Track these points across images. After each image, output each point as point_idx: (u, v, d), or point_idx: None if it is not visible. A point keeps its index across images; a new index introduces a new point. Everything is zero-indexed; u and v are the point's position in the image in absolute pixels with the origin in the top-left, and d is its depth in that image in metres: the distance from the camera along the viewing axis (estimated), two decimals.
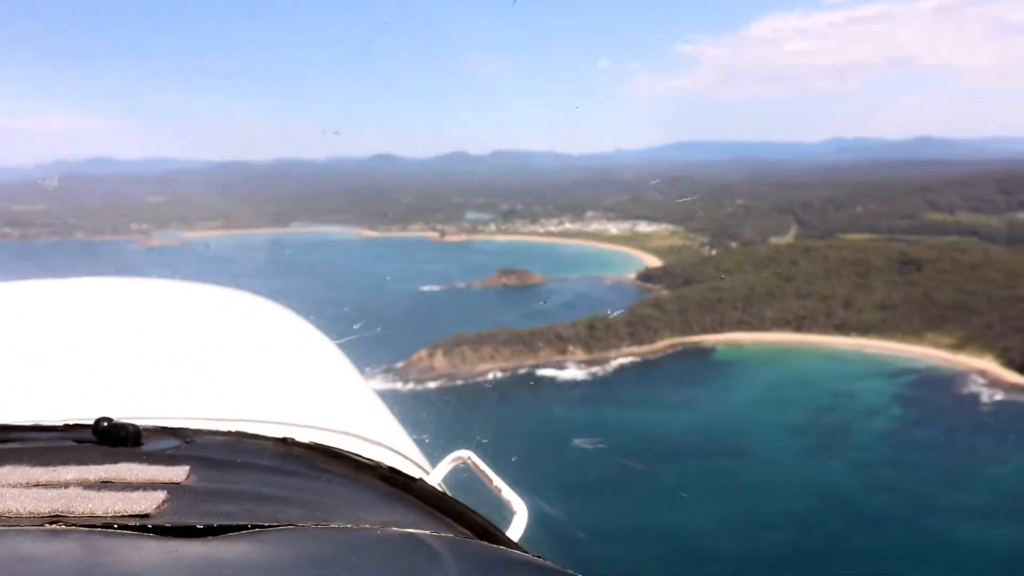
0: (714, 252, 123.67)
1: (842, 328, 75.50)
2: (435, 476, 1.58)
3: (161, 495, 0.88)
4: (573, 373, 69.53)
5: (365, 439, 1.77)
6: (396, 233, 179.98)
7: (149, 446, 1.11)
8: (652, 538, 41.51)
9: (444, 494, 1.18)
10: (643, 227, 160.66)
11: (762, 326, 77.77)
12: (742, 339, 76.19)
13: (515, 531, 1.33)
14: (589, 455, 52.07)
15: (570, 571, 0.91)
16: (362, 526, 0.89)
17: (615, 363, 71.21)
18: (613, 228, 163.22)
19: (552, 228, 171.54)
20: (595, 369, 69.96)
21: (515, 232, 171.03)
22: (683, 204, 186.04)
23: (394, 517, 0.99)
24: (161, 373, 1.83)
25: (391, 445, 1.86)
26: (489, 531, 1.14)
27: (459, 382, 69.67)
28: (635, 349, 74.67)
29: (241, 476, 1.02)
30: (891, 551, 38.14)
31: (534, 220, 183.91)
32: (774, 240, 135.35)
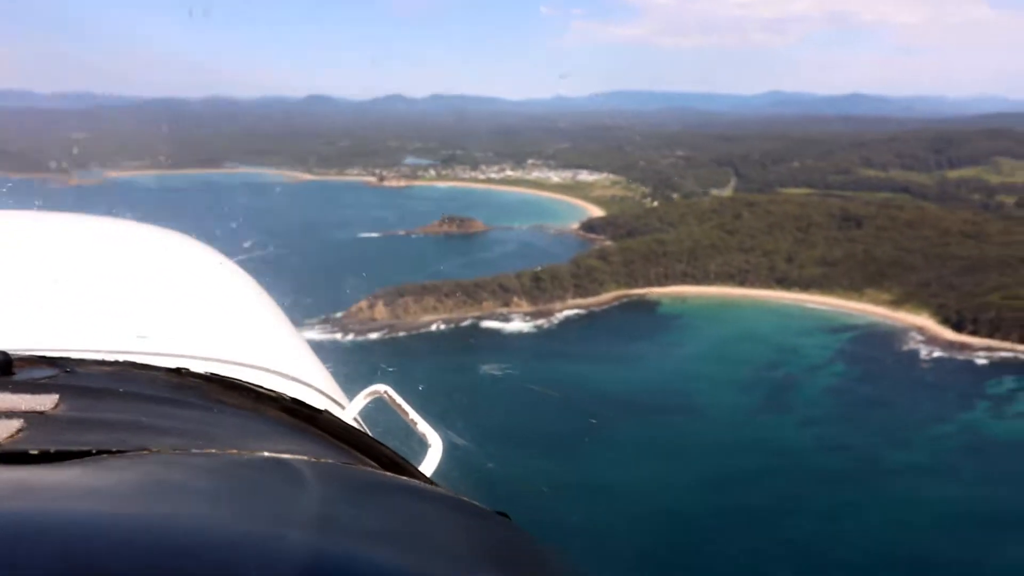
0: (656, 204, 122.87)
1: (784, 283, 75.52)
2: (350, 411, 1.59)
3: (16, 423, 0.83)
4: (518, 325, 67.90)
5: (276, 372, 1.74)
6: (333, 177, 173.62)
7: (21, 376, 1.06)
8: (593, 496, 40.58)
9: (350, 426, 1.15)
10: (584, 176, 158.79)
11: (706, 279, 77.27)
12: (686, 292, 75.60)
13: (429, 464, 1.32)
14: (535, 408, 50.89)
15: (462, 497, 0.91)
16: (228, 451, 0.85)
17: (561, 315, 69.81)
18: (555, 176, 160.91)
19: (493, 175, 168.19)
20: (540, 321, 68.45)
21: (455, 178, 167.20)
22: (624, 153, 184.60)
23: (290, 447, 0.94)
24: (49, 304, 1.76)
25: (304, 379, 1.81)
26: (396, 462, 1.12)
27: (401, 334, 67.31)
28: (580, 301, 73.35)
29: (118, 405, 0.97)
30: (841, 510, 38.02)
31: (474, 166, 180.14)
32: (715, 192, 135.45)
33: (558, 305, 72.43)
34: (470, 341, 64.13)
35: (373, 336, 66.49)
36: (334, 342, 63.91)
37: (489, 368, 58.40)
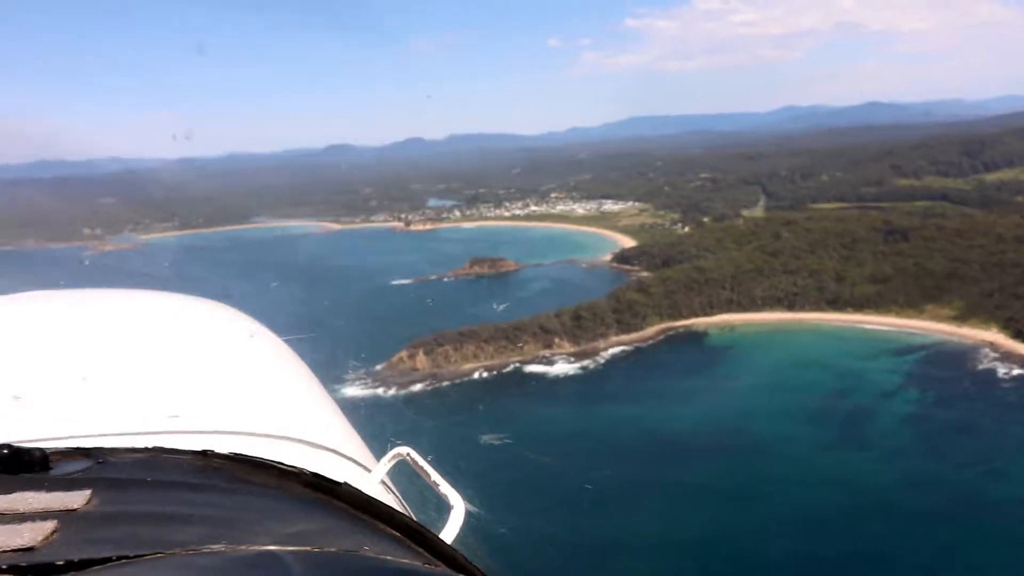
0: (687, 229, 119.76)
1: (836, 304, 71.90)
2: (375, 475, 1.63)
3: (50, 525, 0.85)
4: (563, 368, 64.80)
5: (302, 441, 1.77)
6: (360, 225, 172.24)
7: (57, 470, 1.07)
8: (664, 551, 37.29)
9: (371, 498, 1.17)
10: (609, 206, 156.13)
11: (752, 305, 73.84)
12: (733, 320, 72.22)
13: (452, 526, 1.35)
14: (592, 456, 47.69)
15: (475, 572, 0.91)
16: (239, 548, 0.87)
17: (606, 354, 66.63)
18: (579, 208, 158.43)
19: (517, 211, 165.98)
20: (586, 362, 65.30)
21: (481, 217, 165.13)
22: (647, 180, 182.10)
23: (310, 525, 0.98)
24: (83, 389, 1.78)
25: (331, 445, 1.85)
26: (417, 531, 1.13)
27: (444, 383, 64.39)
28: (624, 337, 70.21)
29: (148, 496, 1.00)
30: (946, 555, 34.27)
31: (498, 204, 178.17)
32: (746, 213, 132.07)
33: (602, 343, 69.35)
34: (513, 389, 61.22)
35: (416, 388, 63.68)
36: (376, 397, 61.29)
37: (533, 414, 55.40)
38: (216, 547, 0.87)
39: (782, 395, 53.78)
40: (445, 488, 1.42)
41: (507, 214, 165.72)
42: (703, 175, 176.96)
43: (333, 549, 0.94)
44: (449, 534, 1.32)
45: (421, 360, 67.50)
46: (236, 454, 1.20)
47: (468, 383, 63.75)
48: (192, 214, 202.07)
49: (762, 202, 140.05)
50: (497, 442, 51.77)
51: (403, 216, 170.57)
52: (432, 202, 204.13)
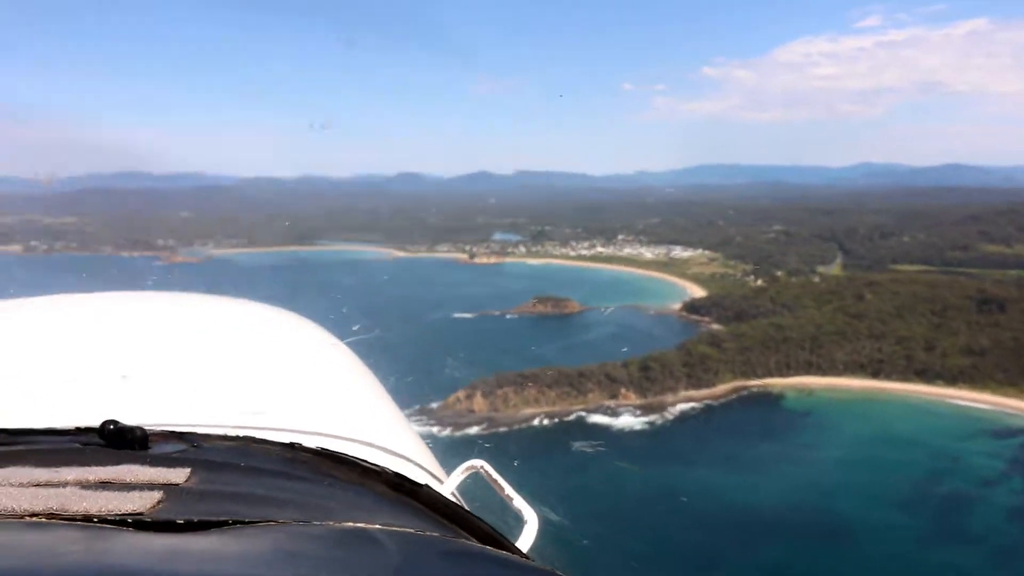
0: (760, 282, 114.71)
1: (925, 375, 66.42)
2: (448, 485, 1.65)
3: (157, 495, 0.92)
4: (628, 421, 60.88)
5: (378, 447, 1.84)
6: (424, 254, 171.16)
7: (155, 449, 1.15)
8: None
9: (449, 501, 1.20)
10: (678, 252, 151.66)
11: (833, 370, 68.84)
12: (812, 384, 67.30)
13: (525, 540, 1.34)
14: (660, 528, 43.67)
15: (557, 573, 0.95)
16: (344, 524, 0.92)
17: (675, 410, 62.47)
18: (647, 252, 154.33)
19: (584, 251, 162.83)
20: (652, 417, 61.27)
21: (546, 255, 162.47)
22: (717, 228, 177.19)
23: (395, 520, 1.02)
24: (178, 381, 1.95)
25: (405, 454, 1.91)
26: (494, 537, 1.15)
27: (502, 429, 61.14)
28: (694, 393, 65.96)
29: (241, 479, 1.06)
30: None
31: (564, 242, 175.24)
32: (821, 269, 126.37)
33: (670, 397, 65.23)
34: (575, 441, 57.42)
35: (472, 431, 60.57)
36: (431, 436, 58.25)
37: (596, 470, 51.58)
38: (326, 523, 0.91)
39: (870, 473, 48.88)
40: (519, 503, 1.41)
41: (573, 253, 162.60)
42: (776, 227, 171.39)
43: (435, 534, 0.97)
44: (524, 546, 1.32)
45: (479, 402, 64.36)
46: (322, 448, 1.24)
47: (527, 430, 60.25)
48: (262, 232, 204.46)
49: (839, 259, 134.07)
50: (555, 504, 48.24)
51: (468, 248, 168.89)
52: (497, 235, 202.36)
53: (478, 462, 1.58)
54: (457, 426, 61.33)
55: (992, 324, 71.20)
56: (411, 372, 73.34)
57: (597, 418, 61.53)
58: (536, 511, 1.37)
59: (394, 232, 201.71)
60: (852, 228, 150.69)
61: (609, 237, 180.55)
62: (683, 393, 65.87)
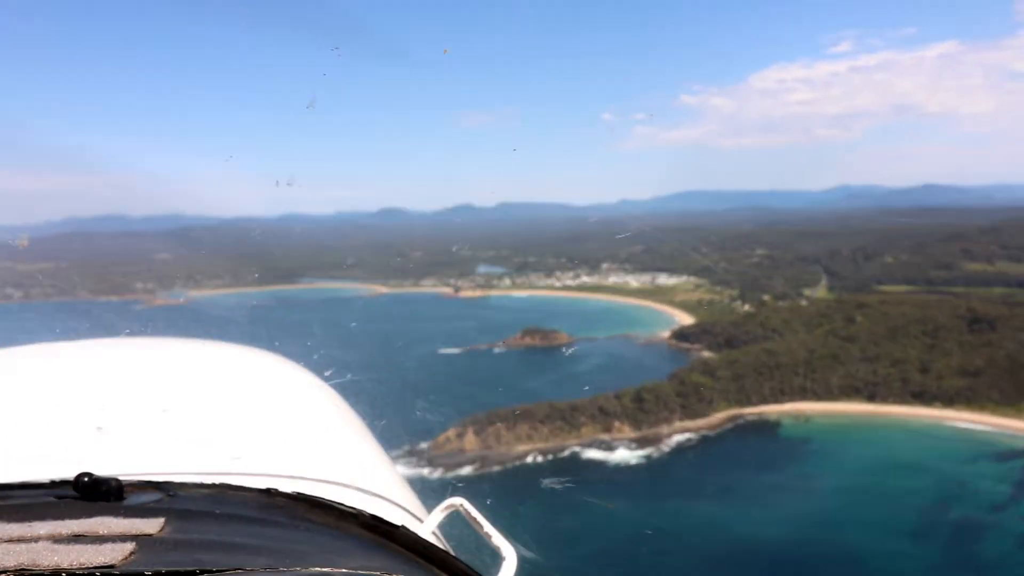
0: (747, 307, 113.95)
1: (922, 397, 65.35)
2: (428, 524, 1.64)
3: (130, 547, 0.91)
4: (624, 455, 59.23)
5: (357, 488, 1.83)
6: (409, 289, 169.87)
7: (131, 500, 1.13)
8: None
9: (427, 542, 1.20)
10: (664, 279, 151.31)
11: (828, 394, 67.67)
12: (808, 409, 66.06)
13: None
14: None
15: None
16: (312, 569, 0.92)
17: (671, 442, 60.93)
18: (633, 281, 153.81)
19: (569, 281, 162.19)
20: (649, 450, 59.67)
21: (531, 286, 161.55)
22: (702, 255, 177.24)
23: (370, 563, 1.02)
24: (155, 428, 1.92)
25: (386, 494, 1.92)
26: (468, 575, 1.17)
27: (495, 468, 59.36)
28: (689, 424, 64.51)
29: (217, 527, 1.05)
30: None
31: (549, 273, 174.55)
32: (807, 292, 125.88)
33: (665, 429, 63.71)
34: (570, 478, 55.65)
35: (464, 471, 58.68)
36: (421, 479, 56.40)
37: (593, 508, 49.80)
38: (294, 568, 0.91)
39: (874, 502, 47.42)
40: (498, 540, 1.41)
41: (558, 284, 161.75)
42: (759, 251, 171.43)
43: (388, 572, 0.99)
44: None
45: (470, 440, 62.56)
46: (299, 493, 1.24)
47: (520, 467, 58.46)
48: (244, 272, 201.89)
49: (824, 281, 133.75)
50: (548, 546, 46.29)
51: (452, 282, 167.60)
52: (481, 268, 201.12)
53: (458, 500, 1.56)
54: (448, 467, 59.41)
55: (984, 344, 70.44)
56: (397, 412, 71.04)
57: (592, 453, 59.88)
58: (514, 548, 1.37)
59: (378, 268, 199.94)
60: (835, 250, 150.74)
61: (593, 266, 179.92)
62: (678, 424, 64.40)
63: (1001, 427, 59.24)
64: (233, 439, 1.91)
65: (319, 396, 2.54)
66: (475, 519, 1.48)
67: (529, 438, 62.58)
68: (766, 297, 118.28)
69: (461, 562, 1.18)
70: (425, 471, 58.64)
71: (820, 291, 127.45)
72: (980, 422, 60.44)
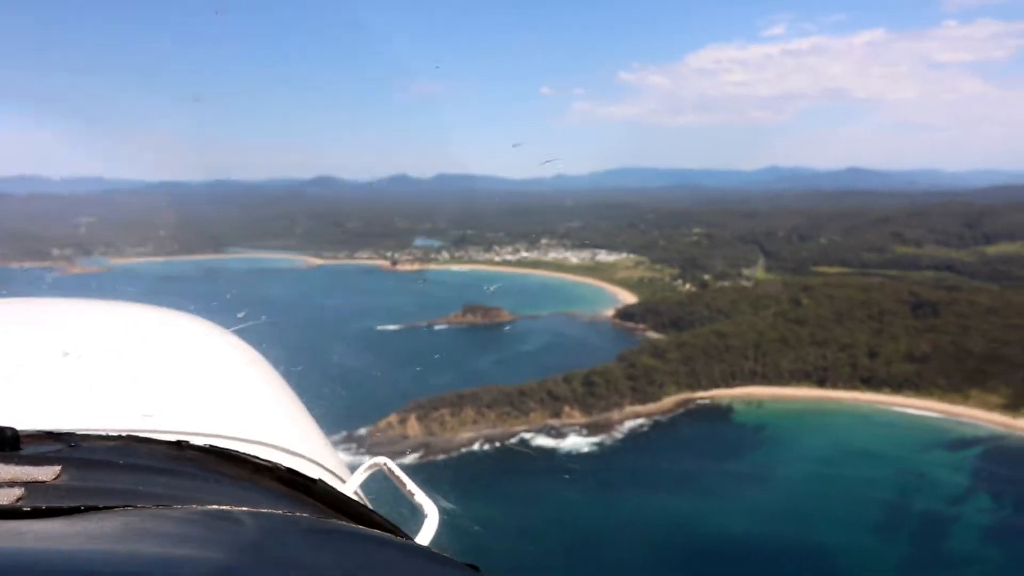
0: (689, 286, 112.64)
1: (870, 382, 64.37)
2: (351, 484, 1.63)
3: (18, 492, 0.89)
4: (575, 442, 56.32)
5: (276, 447, 1.79)
6: (344, 260, 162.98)
7: (28, 450, 1.10)
8: None
9: (345, 496, 1.19)
10: (603, 256, 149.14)
11: (779, 379, 66.14)
12: (759, 394, 64.40)
13: (426, 533, 1.35)
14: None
15: (433, 550, 0.97)
16: (207, 507, 0.89)
17: (623, 428, 58.30)
18: (573, 257, 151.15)
19: (508, 256, 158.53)
20: (601, 436, 56.90)
21: (470, 260, 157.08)
22: (639, 232, 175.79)
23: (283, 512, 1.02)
24: (61, 385, 1.86)
25: (307, 453, 1.87)
26: (388, 529, 1.15)
27: (439, 456, 55.61)
28: (640, 408, 62.06)
29: (118, 476, 1.02)
30: None
31: (488, 247, 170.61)
32: (746, 272, 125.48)
33: (616, 414, 61.11)
34: (520, 467, 52.49)
35: (407, 459, 54.72)
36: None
37: (545, 502, 46.73)
38: (185, 505, 0.89)
39: (834, 492, 45.68)
40: (420, 497, 1.42)
41: (497, 259, 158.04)
42: (696, 230, 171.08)
43: (292, 513, 0.95)
44: (424, 540, 1.33)
45: (413, 426, 58.74)
46: (211, 446, 1.20)
47: (467, 456, 54.94)
48: (169, 239, 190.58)
49: (762, 262, 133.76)
50: (501, 542, 43.24)
51: (389, 255, 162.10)
52: (419, 241, 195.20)
53: (381, 459, 1.57)
54: (390, 455, 53.86)
55: (928, 329, 69.96)
56: (336, 394, 66.45)
57: (542, 440, 56.78)
58: (437, 506, 1.39)
59: (311, 238, 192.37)
60: (771, 231, 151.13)
61: (532, 241, 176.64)
62: (629, 409, 61.89)
63: (949, 414, 58.57)
64: (144, 396, 1.79)
65: (237, 354, 2.40)
66: (398, 477, 1.50)
67: (475, 424, 59.09)
68: (707, 277, 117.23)
69: (379, 516, 1.17)
70: (365, 459, 54.49)
71: (759, 271, 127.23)
72: (929, 408, 59.69)
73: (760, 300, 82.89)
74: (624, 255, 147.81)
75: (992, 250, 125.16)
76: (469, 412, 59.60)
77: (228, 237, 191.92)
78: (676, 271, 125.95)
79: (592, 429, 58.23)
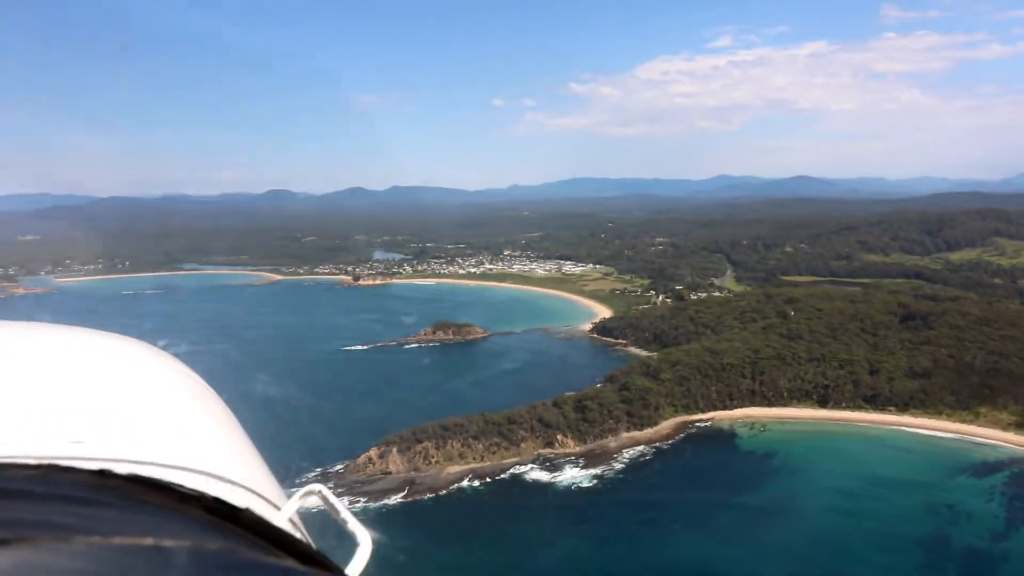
0: (662, 297, 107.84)
1: (874, 401, 59.91)
2: (286, 511, 1.64)
3: None
4: (572, 475, 50.41)
5: (211, 474, 1.75)
6: (304, 276, 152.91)
7: None
8: None
9: (271, 524, 1.13)
10: (570, 267, 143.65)
11: (779, 399, 61.34)
12: (759, 415, 59.50)
13: (358, 562, 1.34)
14: None
15: None
16: (111, 540, 0.85)
17: (622, 457, 52.60)
18: (539, 269, 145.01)
19: (472, 268, 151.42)
20: (599, 468, 51.09)
21: (433, 274, 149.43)
22: (601, 241, 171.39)
23: (211, 545, 0.96)
24: None
25: (242, 481, 1.82)
26: (318, 560, 1.11)
27: (426, 496, 48.75)
28: (638, 434, 56.54)
29: (33, 507, 0.96)
30: None
31: (450, 260, 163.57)
32: (715, 281, 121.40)
33: (612, 441, 55.51)
34: (515, 507, 46.37)
35: (391, 500, 48.15)
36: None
37: (548, 550, 40.81)
38: (89, 538, 0.83)
39: (865, 530, 40.76)
40: (354, 525, 1.40)
41: (462, 271, 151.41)
42: (659, 239, 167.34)
43: (211, 547, 0.91)
44: (355, 569, 1.30)
45: (395, 461, 52.18)
46: (135, 475, 1.15)
47: (456, 496, 48.54)
48: (119, 257, 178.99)
49: (729, 271, 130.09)
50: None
51: (351, 269, 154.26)
52: (379, 254, 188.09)
53: (317, 486, 1.56)
54: (372, 495, 48.86)
55: (924, 342, 66.11)
56: (299, 425, 59.41)
57: (536, 474, 50.76)
58: (370, 534, 1.35)
59: (268, 253, 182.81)
60: (734, 240, 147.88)
61: (495, 252, 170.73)
62: (625, 435, 56.40)
63: (963, 434, 54.43)
64: (76, 423, 1.74)
65: (181, 383, 2.33)
66: (332, 505, 1.48)
67: (462, 457, 52.84)
68: (680, 288, 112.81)
69: (307, 545, 1.10)
70: (345, 501, 48.00)
71: (729, 281, 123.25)
72: (941, 429, 55.45)
73: (745, 313, 78.48)
74: (590, 266, 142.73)
75: (955, 256, 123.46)
76: (455, 444, 53.32)
77: (181, 253, 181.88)
78: (646, 282, 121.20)
79: (589, 459, 52.55)
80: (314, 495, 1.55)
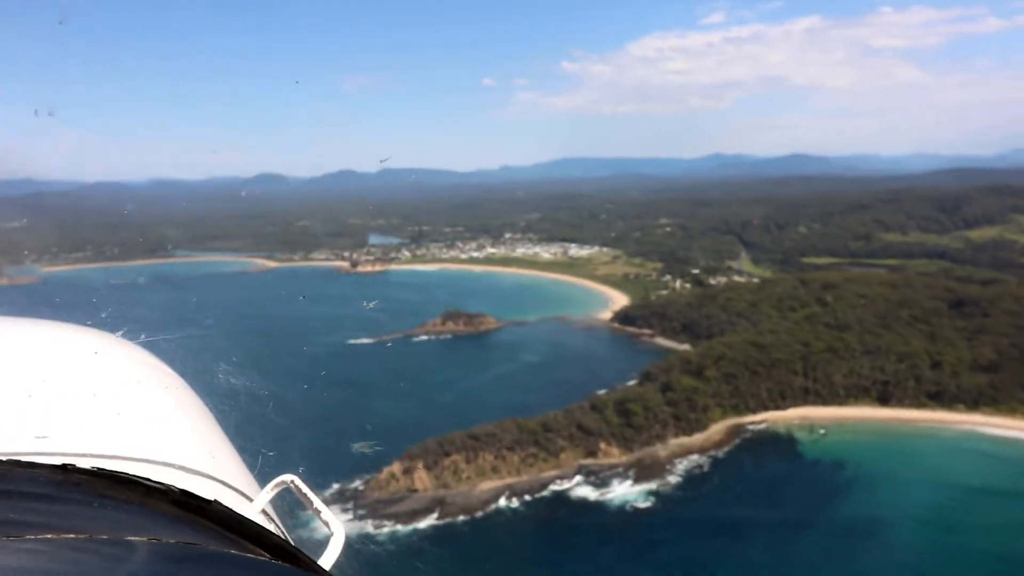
0: (680, 282, 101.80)
1: (940, 398, 54.16)
2: (257, 503, 1.62)
3: None
4: (623, 491, 44.33)
5: (180, 467, 1.73)
6: (300, 262, 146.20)
7: None
8: None
9: (241, 516, 1.12)
10: (576, 250, 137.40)
11: (834, 397, 55.44)
12: (816, 416, 53.58)
13: (331, 552, 1.33)
14: None
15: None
16: (64, 536, 0.82)
17: (676, 469, 46.62)
18: (543, 252, 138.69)
19: (474, 252, 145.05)
20: (653, 483, 45.00)
21: (434, 259, 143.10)
22: (603, 223, 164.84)
23: (171, 538, 0.93)
24: None
25: (213, 473, 1.80)
26: (285, 550, 1.10)
27: (459, 518, 42.88)
28: (687, 441, 50.53)
29: None
30: None
31: (450, 244, 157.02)
32: (732, 264, 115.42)
33: (661, 449, 49.44)
34: (564, 533, 40.26)
35: (423, 524, 41.94)
36: (364, 538, 39.56)
37: None
38: (42, 534, 0.81)
39: (978, 550, 35.12)
40: (327, 515, 1.39)
41: (463, 256, 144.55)
42: (663, 220, 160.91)
43: (170, 540, 0.88)
44: (328, 560, 1.29)
45: (422, 478, 45.95)
46: (99, 469, 1.13)
47: (494, 518, 42.29)
48: (107, 244, 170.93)
49: (744, 253, 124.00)
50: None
51: (348, 255, 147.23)
52: (374, 239, 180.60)
53: (288, 477, 1.54)
54: (400, 517, 42.58)
55: (980, 330, 60.27)
56: (314, 433, 53.02)
57: (582, 490, 44.58)
58: (343, 526, 1.34)
59: (261, 239, 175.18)
60: (744, 220, 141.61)
61: (495, 235, 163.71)
62: (674, 442, 50.30)
63: None
64: (41, 418, 1.71)
65: (149, 374, 2.29)
66: (305, 495, 1.45)
67: (495, 471, 46.58)
68: (695, 271, 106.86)
69: (279, 537, 1.09)
70: (368, 525, 41.81)
71: (745, 263, 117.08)
72: (1018, 428, 49.84)
73: (783, 301, 72.30)
74: (597, 248, 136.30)
75: (975, 235, 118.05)
76: (487, 457, 47.04)
77: (173, 239, 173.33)
78: (659, 265, 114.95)
79: (639, 471, 46.45)
80: (286, 485, 1.51)
